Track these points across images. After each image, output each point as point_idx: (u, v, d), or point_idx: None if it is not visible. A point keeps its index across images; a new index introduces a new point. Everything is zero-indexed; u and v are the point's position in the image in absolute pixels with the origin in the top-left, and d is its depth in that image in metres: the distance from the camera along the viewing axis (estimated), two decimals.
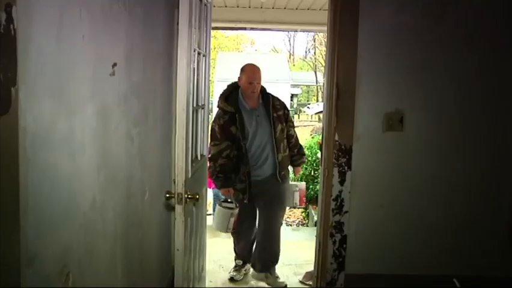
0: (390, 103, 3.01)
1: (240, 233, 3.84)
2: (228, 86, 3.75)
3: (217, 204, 3.79)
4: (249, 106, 3.62)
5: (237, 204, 3.74)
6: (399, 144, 3.05)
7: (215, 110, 3.73)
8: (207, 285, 3.44)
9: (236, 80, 3.73)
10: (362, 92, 2.99)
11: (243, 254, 3.87)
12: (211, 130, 3.58)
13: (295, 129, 4.04)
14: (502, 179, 3.10)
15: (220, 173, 3.54)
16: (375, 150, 3.05)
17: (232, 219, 3.77)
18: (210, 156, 3.53)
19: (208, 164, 3.48)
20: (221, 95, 3.68)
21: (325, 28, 3.35)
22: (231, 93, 3.65)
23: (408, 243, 3.14)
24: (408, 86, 3.01)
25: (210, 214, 5.33)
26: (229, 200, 3.74)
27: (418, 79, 3.01)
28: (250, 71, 3.62)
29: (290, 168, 4.01)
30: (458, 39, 2.99)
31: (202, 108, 2.94)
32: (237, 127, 3.50)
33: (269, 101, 3.69)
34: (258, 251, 3.82)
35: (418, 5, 2.96)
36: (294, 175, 4.45)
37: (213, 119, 3.67)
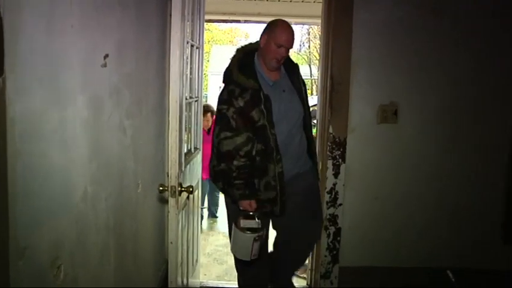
0: (384, 95, 3.02)
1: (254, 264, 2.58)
2: (238, 51, 2.55)
3: (233, 225, 2.47)
4: (271, 79, 2.50)
5: (259, 222, 2.44)
6: (393, 136, 3.06)
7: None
8: (201, 279, 3.44)
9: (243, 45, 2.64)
10: (357, 83, 2.99)
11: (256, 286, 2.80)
12: (221, 116, 2.42)
13: None
14: (495, 171, 3.11)
15: (239, 178, 2.39)
16: (370, 143, 3.06)
17: (257, 245, 2.41)
18: (218, 150, 2.45)
19: (214, 163, 2.52)
20: (233, 63, 2.49)
21: (319, 21, 3.34)
22: (244, 61, 2.49)
23: (403, 236, 3.15)
24: (403, 79, 3.02)
25: (204, 207, 5.31)
26: (251, 213, 2.44)
27: (413, 72, 3.01)
28: (283, 30, 2.40)
29: None
30: (454, 34, 2.99)
31: (196, 100, 2.92)
32: (262, 110, 2.37)
33: (297, 71, 2.66)
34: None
35: None
36: None
37: (219, 100, 2.47)
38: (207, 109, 4.90)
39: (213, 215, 5.56)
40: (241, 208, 2.46)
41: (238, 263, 2.69)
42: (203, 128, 5.07)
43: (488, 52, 3.00)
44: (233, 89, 2.40)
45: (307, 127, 2.65)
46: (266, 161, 2.42)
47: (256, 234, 2.39)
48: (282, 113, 2.45)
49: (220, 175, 2.48)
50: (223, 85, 2.51)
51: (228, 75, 2.48)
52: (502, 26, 2.98)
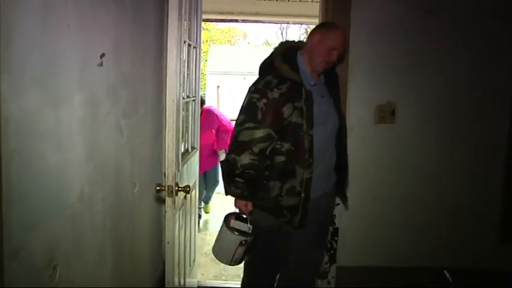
0: (382, 95, 3.01)
1: (261, 274, 2.47)
2: (282, 44, 2.37)
3: (223, 222, 2.28)
4: (313, 80, 2.29)
5: (250, 227, 2.24)
6: (391, 136, 3.05)
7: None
8: (198, 278, 3.42)
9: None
10: (354, 84, 2.98)
11: None
12: (249, 106, 2.18)
13: None
14: (494, 171, 3.11)
15: (241, 177, 2.15)
16: (367, 142, 3.05)
17: (241, 250, 2.23)
18: (235, 139, 2.20)
19: (228, 153, 2.26)
20: (275, 54, 2.30)
21: (317, 20, 3.33)
22: (287, 55, 2.28)
23: (402, 236, 3.14)
24: (402, 79, 3.01)
25: (201, 207, 5.28)
26: (244, 216, 2.26)
27: (412, 72, 3.00)
28: (340, 33, 2.27)
29: None
30: (452, 33, 2.99)
31: (193, 100, 2.91)
32: (300, 107, 2.14)
33: (336, 81, 2.48)
34: None
35: None
36: None
37: (251, 89, 2.23)
38: None
39: (206, 200, 5.28)
40: (235, 207, 2.30)
41: (246, 260, 2.47)
42: None
43: (488, 52, 2.99)
44: (270, 80, 2.18)
45: (342, 141, 2.45)
46: (295, 163, 2.17)
47: (244, 238, 2.21)
48: (320, 116, 2.22)
49: (226, 166, 2.23)
50: (257, 76, 2.31)
51: (267, 65, 2.30)
52: (502, 26, 2.97)
